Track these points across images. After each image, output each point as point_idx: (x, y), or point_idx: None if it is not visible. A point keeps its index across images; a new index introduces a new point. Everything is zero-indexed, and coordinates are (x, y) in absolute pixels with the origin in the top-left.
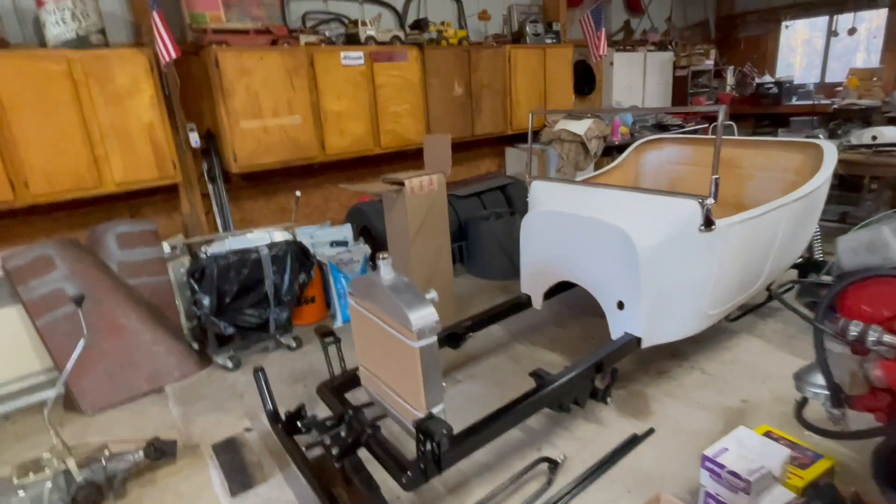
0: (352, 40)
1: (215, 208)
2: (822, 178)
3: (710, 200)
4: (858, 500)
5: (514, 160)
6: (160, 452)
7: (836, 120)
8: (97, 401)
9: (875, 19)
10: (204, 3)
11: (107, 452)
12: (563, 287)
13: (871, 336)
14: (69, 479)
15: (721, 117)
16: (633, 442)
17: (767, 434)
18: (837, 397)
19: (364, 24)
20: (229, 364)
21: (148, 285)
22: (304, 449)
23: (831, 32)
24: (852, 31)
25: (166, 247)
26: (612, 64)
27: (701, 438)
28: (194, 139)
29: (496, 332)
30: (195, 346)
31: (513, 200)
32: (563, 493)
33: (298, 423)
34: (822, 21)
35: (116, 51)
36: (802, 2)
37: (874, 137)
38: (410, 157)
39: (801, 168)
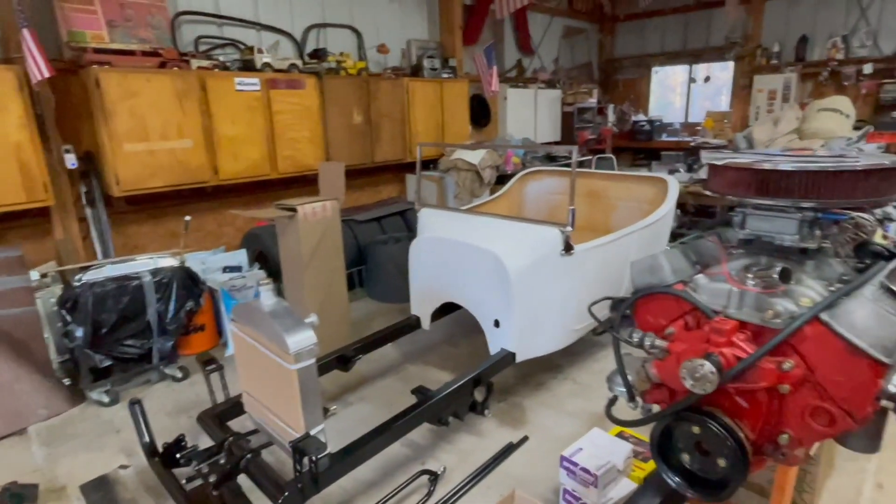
0: (247, 66)
1: (94, 233)
2: (667, 208)
3: (569, 228)
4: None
5: (414, 186)
6: (17, 498)
7: (695, 156)
8: None
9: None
10: (84, 21)
11: None
12: (452, 308)
13: (647, 341)
14: None
15: (574, 156)
16: (508, 450)
17: (620, 434)
18: (631, 393)
19: (260, 51)
20: (105, 399)
21: (10, 317)
22: (183, 482)
23: (690, 79)
24: (707, 80)
25: (35, 275)
26: (505, 98)
27: (568, 442)
28: (70, 160)
29: (390, 354)
30: (67, 381)
31: (412, 225)
32: (441, 502)
33: (178, 455)
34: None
35: None
36: (668, 52)
37: None
38: (310, 182)
39: (653, 199)
